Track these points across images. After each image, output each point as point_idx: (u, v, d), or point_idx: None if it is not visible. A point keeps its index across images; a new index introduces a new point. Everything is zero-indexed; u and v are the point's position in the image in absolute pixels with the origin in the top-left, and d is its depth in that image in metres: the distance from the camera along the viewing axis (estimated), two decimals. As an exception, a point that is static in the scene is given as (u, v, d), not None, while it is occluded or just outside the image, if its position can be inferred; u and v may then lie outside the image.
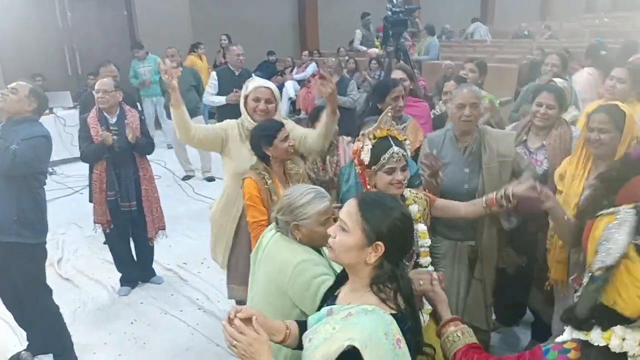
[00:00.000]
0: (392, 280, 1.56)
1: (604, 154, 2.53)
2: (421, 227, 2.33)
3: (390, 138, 2.24)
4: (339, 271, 1.83)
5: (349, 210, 1.57)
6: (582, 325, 1.30)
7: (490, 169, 2.81)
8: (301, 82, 10.72)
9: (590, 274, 1.27)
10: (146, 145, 4.22)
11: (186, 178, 7.43)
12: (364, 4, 12.53)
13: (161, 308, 4.18)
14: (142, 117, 4.41)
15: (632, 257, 1.20)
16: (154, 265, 4.66)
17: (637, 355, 1.23)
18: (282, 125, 2.92)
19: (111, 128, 4.07)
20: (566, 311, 1.36)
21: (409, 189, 2.41)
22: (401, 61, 4.95)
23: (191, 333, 3.84)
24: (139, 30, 10.30)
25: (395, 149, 2.21)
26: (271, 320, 1.73)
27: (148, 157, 4.35)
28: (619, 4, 20.52)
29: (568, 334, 1.35)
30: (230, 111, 4.79)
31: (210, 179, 7.27)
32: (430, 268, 2.31)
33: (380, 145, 2.22)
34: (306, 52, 11.47)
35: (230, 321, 1.52)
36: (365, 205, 1.56)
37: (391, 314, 1.51)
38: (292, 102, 10.50)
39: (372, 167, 2.23)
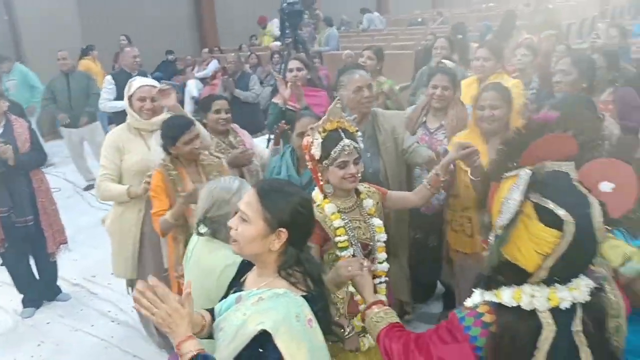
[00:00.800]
0: (298, 264, 1.58)
1: (498, 129, 2.68)
2: (377, 222, 2.28)
3: (341, 130, 2.15)
4: None
5: (249, 200, 1.56)
6: (492, 283, 1.35)
7: (387, 148, 2.90)
8: (204, 80, 10.50)
9: (494, 234, 1.32)
10: (36, 159, 3.95)
11: (88, 188, 7.04)
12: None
13: (70, 325, 3.96)
14: (32, 127, 4.12)
15: (529, 214, 1.25)
16: (59, 282, 4.40)
17: (544, 311, 1.29)
18: (190, 125, 2.83)
19: None
20: (477, 275, 1.42)
21: (362, 183, 2.33)
22: (300, 52, 4.98)
23: (105, 347, 3.67)
24: (23, 36, 9.63)
25: (347, 141, 2.12)
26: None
27: (46, 169, 4.08)
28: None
29: (478, 297, 1.39)
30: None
31: (114, 187, 6.95)
32: (387, 265, 2.28)
33: (331, 139, 2.13)
34: (206, 50, 11.25)
35: (151, 289, 1.47)
36: (265, 193, 1.56)
37: (302, 296, 1.54)
38: (196, 101, 10.26)
39: (324, 162, 2.14)
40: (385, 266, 2.27)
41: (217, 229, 2.15)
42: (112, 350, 3.64)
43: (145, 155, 3.14)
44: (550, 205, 1.24)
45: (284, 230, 1.53)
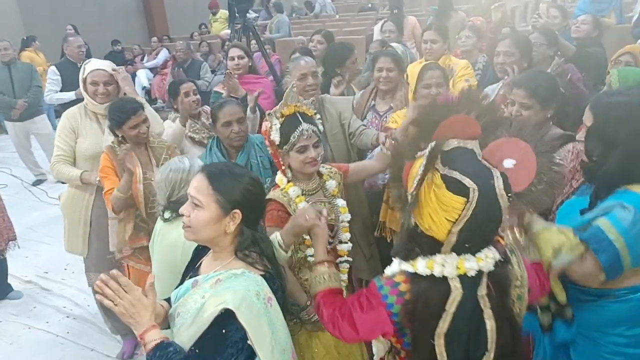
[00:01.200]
0: (254, 244, 1.60)
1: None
2: (340, 202, 2.29)
3: (298, 114, 2.14)
4: None
5: (198, 185, 1.57)
6: (409, 254, 1.45)
7: (334, 135, 2.95)
8: (154, 70, 10.30)
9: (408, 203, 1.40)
10: None
11: (37, 183, 6.86)
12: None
13: (24, 324, 3.86)
14: None
15: (438, 184, 1.34)
16: (10, 280, 4.28)
17: (453, 277, 1.40)
18: (137, 109, 2.81)
19: None
20: (395, 245, 1.51)
21: (323, 164, 2.34)
22: (251, 39, 4.95)
23: (61, 343, 3.61)
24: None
25: (305, 125, 2.11)
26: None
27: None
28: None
29: (396, 266, 1.48)
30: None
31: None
32: (350, 244, 2.30)
33: (289, 124, 2.12)
34: (155, 39, 11.02)
35: (115, 279, 1.48)
36: (214, 177, 1.57)
37: (261, 275, 1.56)
38: (147, 91, 10.06)
39: (284, 147, 2.14)
40: (348, 246, 2.29)
41: (175, 214, 2.16)
42: (69, 345, 3.59)
43: (99, 140, 3.11)
44: (457, 175, 1.33)
45: (237, 211, 1.55)
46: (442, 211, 1.35)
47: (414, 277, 1.43)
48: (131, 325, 1.50)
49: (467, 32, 4.24)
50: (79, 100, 5.04)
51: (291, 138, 2.11)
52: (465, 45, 4.24)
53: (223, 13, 11.03)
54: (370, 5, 13.52)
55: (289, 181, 2.22)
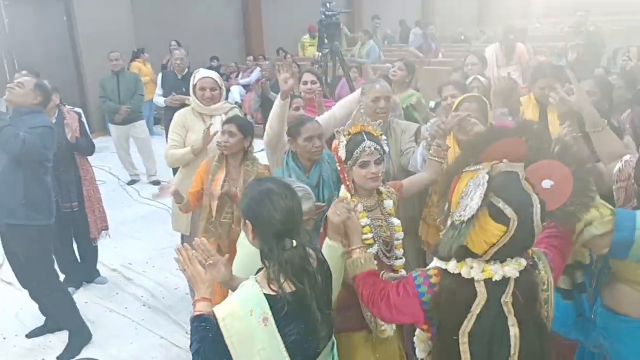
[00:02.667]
0: (273, 260, 1.68)
1: None
2: (396, 222, 2.42)
3: (363, 133, 2.30)
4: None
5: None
6: (445, 257, 1.58)
7: (397, 154, 3.14)
8: (246, 87, 10.86)
9: (452, 221, 1.53)
10: (86, 146, 4.30)
11: (131, 182, 7.44)
12: (309, 8, 12.78)
13: (106, 306, 4.25)
14: (82, 119, 4.46)
15: (483, 211, 1.46)
16: (99, 267, 4.71)
17: (480, 281, 1.51)
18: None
19: None
20: (435, 245, 1.64)
21: (382, 184, 2.46)
22: (337, 63, 5.19)
23: (135, 328, 3.94)
24: (80, 36, 10.19)
25: (368, 142, 2.26)
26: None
27: (93, 162, 4.43)
28: (552, 9, 21.54)
29: (433, 264, 1.63)
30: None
31: (156, 183, 7.30)
32: (403, 260, 2.42)
33: (354, 141, 2.29)
34: (251, 57, 11.62)
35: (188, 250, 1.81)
36: (245, 188, 1.83)
37: (266, 294, 1.65)
38: (239, 107, 10.60)
39: (348, 163, 2.30)
40: (402, 261, 2.42)
41: None
42: (142, 331, 3.90)
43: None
44: (501, 204, 1.44)
45: (247, 221, 1.74)
46: (482, 234, 1.47)
47: (444, 272, 1.57)
48: (195, 290, 1.79)
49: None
50: (172, 108, 5.59)
51: (354, 153, 2.26)
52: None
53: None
54: (463, 37, 13.53)
55: (352, 196, 2.36)
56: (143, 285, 4.55)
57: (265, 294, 1.65)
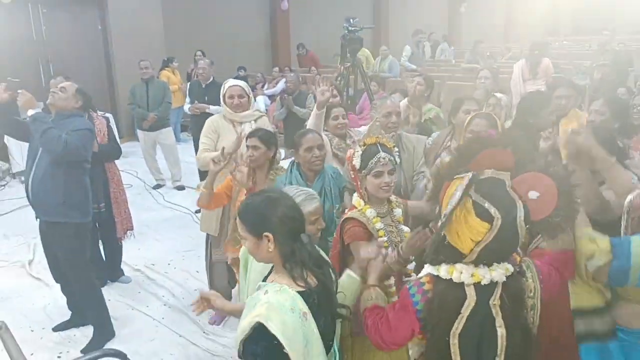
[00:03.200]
0: (294, 256, 1.79)
1: None
2: (405, 229, 2.58)
3: (378, 145, 2.46)
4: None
5: (237, 222, 1.89)
6: (434, 261, 1.69)
7: (408, 166, 3.27)
8: (272, 98, 11.07)
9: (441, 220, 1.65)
10: (112, 151, 4.53)
11: (157, 187, 7.66)
12: (335, 22, 13.00)
13: (128, 304, 4.42)
14: (110, 124, 4.69)
15: (468, 209, 1.59)
16: (123, 266, 4.90)
17: (470, 284, 1.62)
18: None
19: None
20: (426, 253, 1.76)
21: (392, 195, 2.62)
22: (358, 76, 5.33)
23: (155, 326, 4.10)
24: (113, 45, 10.53)
25: (382, 154, 2.41)
26: (231, 304, 2.18)
27: (122, 166, 4.63)
28: (580, 28, 21.41)
29: (425, 271, 1.74)
30: (201, 121, 5.08)
31: (181, 188, 7.52)
32: (414, 264, 2.49)
33: (369, 151, 2.44)
34: (276, 69, 11.84)
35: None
36: (240, 212, 1.88)
37: (298, 292, 1.75)
38: (264, 116, 10.80)
39: (362, 172, 2.45)
40: (412, 265, 2.50)
41: None
42: (162, 329, 4.06)
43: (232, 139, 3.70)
44: (486, 204, 1.56)
45: (267, 233, 1.78)
46: (468, 232, 1.58)
47: (437, 279, 1.68)
48: None
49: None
50: (198, 116, 5.83)
51: (369, 164, 2.42)
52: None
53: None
54: (488, 54, 13.54)
55: (365, 204, 2.50)
56: (164, 286, 4.71)
57: (297, 291, 1.75)
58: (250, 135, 3.31)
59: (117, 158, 4.65)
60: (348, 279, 2.12)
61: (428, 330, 1.72)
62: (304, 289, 1.77)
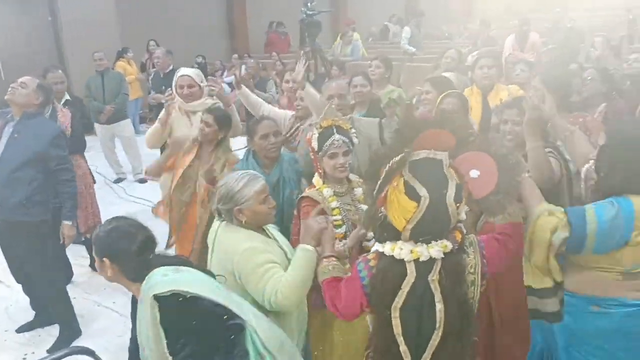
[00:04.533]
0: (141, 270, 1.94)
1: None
2: (365, 208, 2.57)
3: (334, 127, 2.54)
4: (288, 248, 2.30)
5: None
6: (380, 239, 1.77)
7: (361, 150, 3.25)
8: (231, 85, 10.94)
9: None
10: (75, 143, 4.39)
11: (118, 181, 7.51)
12: (292, 7, 12.88)
13: (94, 301, 4.36)
14: (77, 118, 4.60)
15: (400, 188, 1.64)
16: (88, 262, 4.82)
17: (410, 261, 1.69)
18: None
19: None
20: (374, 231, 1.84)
21: (354, 175, 2.74)
22: (318, 61, 5.32)
23: (123, 321, 4.01)
24: (64, 36, 10.21)
25: (337, 136, 2.51)
26: None
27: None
28: (536, 6, 21.81)
29: (373, 248, 1.82)
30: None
31: (142, 181, 7.37)
32: (374, 240, 2.60)
33: (325, 134, 2.53)
34: (236, 56, 11.68)
35: None
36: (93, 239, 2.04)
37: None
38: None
39: (319, 153, 2.55)
40: (373, 242, 2.57)
41: (227, 218, 2.34)
42: (130, 324, 3.98)
43: (187, 131, 3.80)
44: (416, 184, 1.61)
45: (104, 259, 1.96)
46: (400, 211, 1.64)
47: (381, 255, 1.74)
48: None
49: (522, 66, 4.39)
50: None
51: (324, 145, 2.51)
52: (520, 77, 4.39)
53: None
54: (447, 35, 13.70)
55: (323, 182, 2.58)
56: (131, 280, 4.63)
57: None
58: (208, 111, 3.43)
59: (81, 151, 4.57)
60: (303, 253, 2.15)
61: (373, 304, 1.78)
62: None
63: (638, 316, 1.96)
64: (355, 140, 2.61)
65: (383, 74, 4.51)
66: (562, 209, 1.94)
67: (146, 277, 1.87)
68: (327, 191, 2.56)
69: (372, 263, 1.77)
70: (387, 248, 1.73)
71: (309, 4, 5.15)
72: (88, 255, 4.89)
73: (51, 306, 3.84)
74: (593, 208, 1.91)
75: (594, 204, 1.94)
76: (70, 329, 3.81)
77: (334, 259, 2.04)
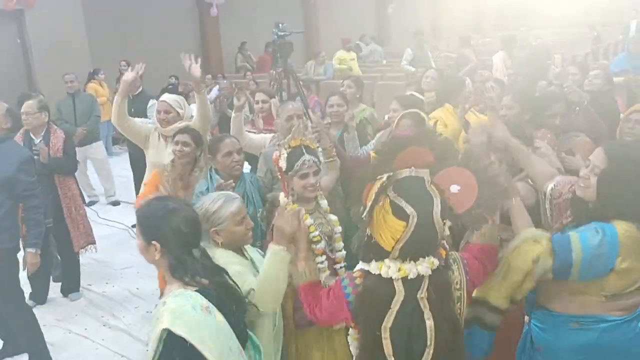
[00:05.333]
0: (184, 267, 1.82)
1: None
2: (333, 217, 2.68)
3: (303, 147, 2.53)
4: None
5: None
6: (365, 258, 1.76)
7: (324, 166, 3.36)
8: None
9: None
10: (64, 164, 4.45)
11: (90, 204, 7.34)
12: (265, 28, 12.97)
13: (65, 328, 4.26)
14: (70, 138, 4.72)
15: (387, 209, 1.65)
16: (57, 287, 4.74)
17: (398, 279, 1.68)
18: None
19: (33, 148, 4.30)
20: (358, 251, 1.82)
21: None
22: (290, 81, 5.36)
23: (96, 348, 3.96)
24: (34, 58, 10.08)
25: (307, 157, 2.50)
26: None
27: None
28: (502, 25, 22.36)
29: (358, 267, 1.81)
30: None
31: (115, 203, 7.29)
32: (344, 252, 2.64)
33: (294, 154, 2.51)
34: (209, 76, 11.68)
35: None
36: (137, 212, 1.91)
37: (196, 291, 1.79)
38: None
39: (289, 173, 2.52)
40: (342, 254, 2.64)
41: (204, 239, 2.22)
42: (103, 351, 3.93)
43: (161, 152, 3.89)
44: (402, 203, 1.62)
45: (154, 242, 1.80)
46: (387, 231, 1.65)
47: (367, 273, 1.74)
48: None
49: (492, 84, 4.49)
50: None
51: (295, 166, 2.49)
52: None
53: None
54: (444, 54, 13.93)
55: (293, 202, 2.58)
56: (102, 307, 4.56)
57: (195, 290, 1.78)
58: (181, 132, 3.39)
59: (70, 173, 4.57)
60: (272, 254, 2.07)
61: (359, 323, 1.77)
62: (197, 288, 1.80)
63: (616, 330, 1.96)
64: (322, 158, 2.65)
65: (354, 93, 4.57)
66: (548, 236, 1.94)
67: (178, 293, 1.76)
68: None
69: (357, 281, 1.76)
70: (374, 266, 1.72)
71: (280, 25, 5.20)
72: (60, 281, 4.80)
73: (19, 335, 3.74)
74: (577, 235, 1.91)
75: (578, 231, 1.92)
76: (40, 357, 3.70)
77: (306, 262, 2.03)
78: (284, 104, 3.61)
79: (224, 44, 14.39)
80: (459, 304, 1.77)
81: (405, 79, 9.06)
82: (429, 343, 1.68)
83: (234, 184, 2.88)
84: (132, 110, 5.86)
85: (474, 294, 1.93)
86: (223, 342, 1.75)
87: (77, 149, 7.00)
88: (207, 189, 3.04)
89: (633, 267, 1.88)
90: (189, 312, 1.70)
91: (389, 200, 1.65)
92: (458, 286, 1.76)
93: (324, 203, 2.68)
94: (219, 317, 1.79)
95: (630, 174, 1.89)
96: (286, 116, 3.44)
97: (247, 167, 3.72)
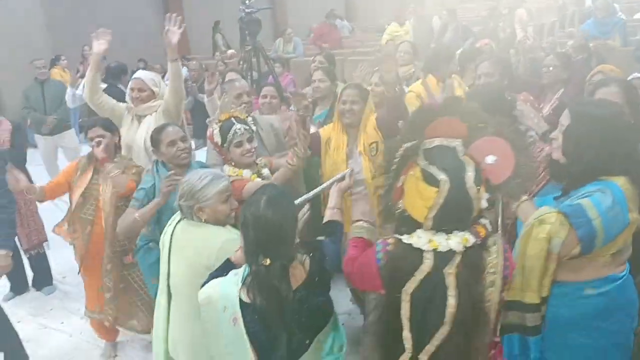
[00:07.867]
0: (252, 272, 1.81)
1: (354, 122, 3.05)
2: (266, 172, 2.85)
3: (233, 118, 2.71)
4: None
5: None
6: (398, 231, 1.74)
7: (269, 141, 3.36)
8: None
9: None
10: (12, 155, 4.19)
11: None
12: (231, 6, 12.69)
13: (40, 323, 4.16)
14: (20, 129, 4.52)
15: (418, 176, 1.63)
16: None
17: (428, 251, 1.65)
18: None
19: None
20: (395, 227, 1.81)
21: (260, 158, 2.91)
22: (260, 59, 5.24)
23: (74, 342, 3.87)
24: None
25: (238, 125, 2.68)
26: None
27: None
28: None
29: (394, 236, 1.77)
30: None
31: (86, 194, 7.09)
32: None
33: (225, 126, 2.69)
34: (176, 58, 11.43)
35: None
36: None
37: (241, 298, 1.79)
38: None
39: (224, 145, 2.68)
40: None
41: (187, 215, 2.30)
42: (82, 344, 3.85)
43: (132, 133, 3.70)
44: (433, 169, 1.60)
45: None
46: (420, 199, 1.61)
47: (399, 241, 1.70)
48: None
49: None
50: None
51: (228, 137, 2.67)
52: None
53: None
54: (385, 27, 13.80)
55: (238, 169, 2.72)
56: (78, 299, 4.42)
57: (240, 299, 1.80)
58: (91, 126, 3.27)
59: (21, 166, 4.37)
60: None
61: (385, 285, 1.74)
62: (249, 302, 1.79)
63: (629, 285, 2.01)
64: (254, 127, 2.82)
65: (411, 58, 4.62)
66: (554, 211, 1.90)
67: (234, 280, 1.86)
68: (246, 172, 2.73)
69: (390, 247, 1.74)
70: (406, 237, 1.70)
71: (247, 2, 5.05)
72: (31, 274, 4.67)
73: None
74: (590, 202, 1.86)
75: (586, 196, 1.89)
76: (17, 356, 3.59)
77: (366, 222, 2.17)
78: (230, 82, 3.58)
79: (190, 24, 14.05)
80: (491, 288, 1.66)
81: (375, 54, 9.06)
82: (446, 320, 1.62)
83: (179, 176, 2.56)
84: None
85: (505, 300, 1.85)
86: (214, 349, 1.85)
87: (47, 137, 6.83)
88: (153, 185, 2.88)
89: (634, 219, 1.91)
90: (218, 311, 1.82)
91: (419, 168, 1.63)
92: (493, 270, 1.66)
93: (265, 172, 2.83)
94: (241, 333, 1.79)
95: (592, 130, 1.90)
96: (235, 94, 3.37)
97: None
